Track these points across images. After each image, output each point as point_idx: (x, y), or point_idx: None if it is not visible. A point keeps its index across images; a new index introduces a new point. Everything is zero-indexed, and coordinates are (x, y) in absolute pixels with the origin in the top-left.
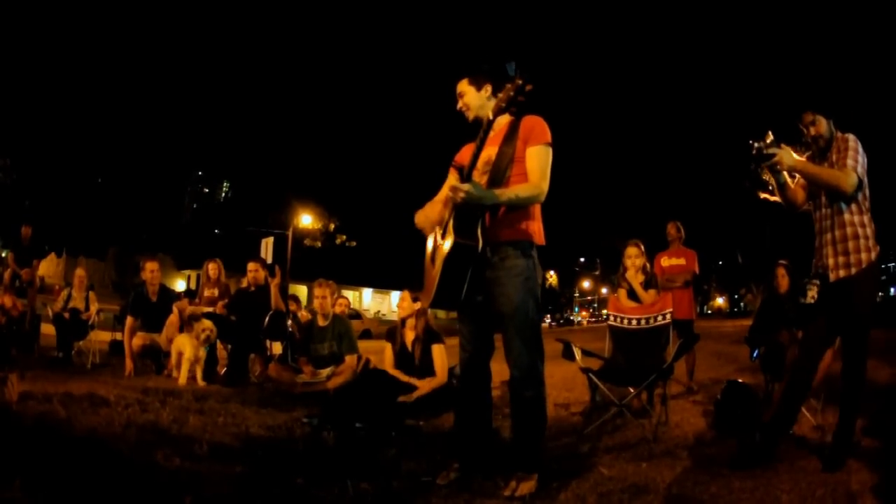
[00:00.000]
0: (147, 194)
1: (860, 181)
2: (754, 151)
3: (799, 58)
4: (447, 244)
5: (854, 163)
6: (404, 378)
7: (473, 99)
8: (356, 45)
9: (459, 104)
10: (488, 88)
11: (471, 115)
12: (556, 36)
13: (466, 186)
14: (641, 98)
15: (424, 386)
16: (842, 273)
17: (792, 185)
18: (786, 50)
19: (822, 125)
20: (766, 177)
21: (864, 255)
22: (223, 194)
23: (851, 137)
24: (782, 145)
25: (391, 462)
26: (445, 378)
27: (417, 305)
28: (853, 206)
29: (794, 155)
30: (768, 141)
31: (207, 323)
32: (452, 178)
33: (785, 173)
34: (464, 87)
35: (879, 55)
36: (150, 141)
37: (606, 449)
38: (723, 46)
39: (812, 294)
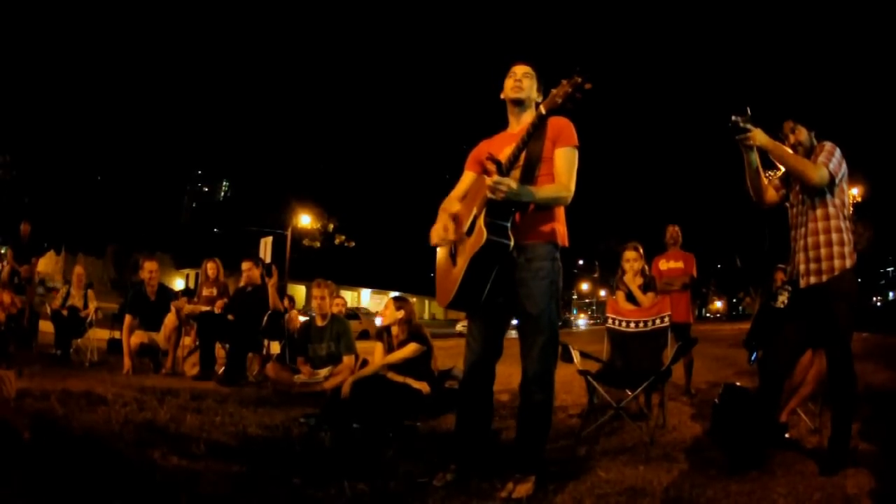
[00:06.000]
0: (146, 193)
1: (833, 180)
2: (730, 124)
3: (798, 61)
4: (477, 241)
5: (826, 161)
6: (397, 378)
7: (532, 89)
8: (355, 47)
9: (518, 80)
10: (540, 94)
11: (519, 97)
12: (548, 36)
13: (513, 183)
14: (640, 100)
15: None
16: (812, 280)
17: (764, 176)
18: (785, 53)
19: (803, 133)
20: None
21: (836, 262)
22: (222, 193)
23: (829, 143)
24: (759, 128)
25: (388, 463)
26: (382, 363)
27: (400, 314)
28: (830, 212)
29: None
30: (746, 116)
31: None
32: (471, 175)
33: (757, 159)
34: (531, 72)
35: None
36: (149, 139)
37: (603, 451)
38: (722, 47)
39: (782, 300)
